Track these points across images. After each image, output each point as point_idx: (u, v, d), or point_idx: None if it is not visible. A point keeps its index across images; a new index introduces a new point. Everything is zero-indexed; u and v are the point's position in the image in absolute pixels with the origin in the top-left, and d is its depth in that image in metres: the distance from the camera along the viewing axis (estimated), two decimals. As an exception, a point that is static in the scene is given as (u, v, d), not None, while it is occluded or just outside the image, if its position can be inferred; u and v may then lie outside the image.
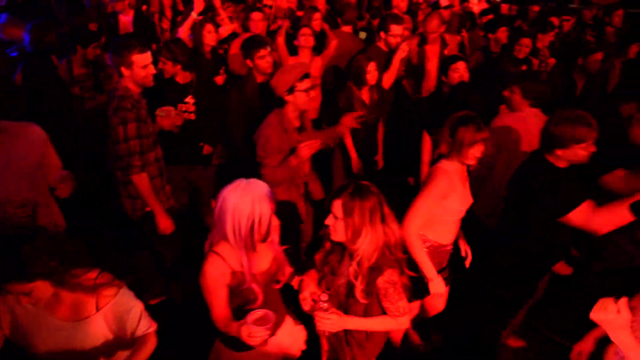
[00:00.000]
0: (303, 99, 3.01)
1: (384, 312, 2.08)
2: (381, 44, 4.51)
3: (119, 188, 2.98)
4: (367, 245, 1.93)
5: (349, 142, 3.93)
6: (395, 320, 2.08)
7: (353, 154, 3.96)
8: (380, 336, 2.25)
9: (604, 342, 2.06)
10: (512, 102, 3.37)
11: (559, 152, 2.40)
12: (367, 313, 2.07)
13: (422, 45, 4.78)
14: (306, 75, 3.00)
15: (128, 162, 2.80)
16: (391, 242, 1.98)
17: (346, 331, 2.15)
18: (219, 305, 1.95)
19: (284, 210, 3.10)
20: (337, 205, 1.95)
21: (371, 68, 3.77)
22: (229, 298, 1.96)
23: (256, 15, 4.66)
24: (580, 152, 2.37)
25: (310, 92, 3.05)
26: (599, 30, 6.35)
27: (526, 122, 3.21)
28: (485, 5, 7.34)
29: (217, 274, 1.92)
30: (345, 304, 2.08)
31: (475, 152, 2.52)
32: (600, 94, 4.88)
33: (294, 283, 2.25)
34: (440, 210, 2.58)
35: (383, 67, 4.24)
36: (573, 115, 2.38)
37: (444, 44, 4.88)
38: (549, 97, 3.37)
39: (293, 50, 4.54)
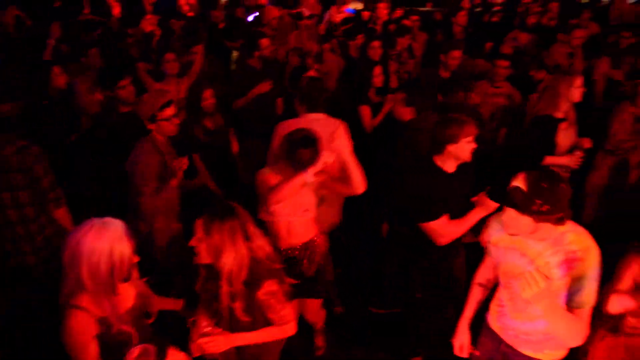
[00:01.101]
0: (166, 128, 3.00)
1: (271, 323, 2.12)
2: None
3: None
4: (231, 263, 1.95)
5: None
6: (281, 328, 2.13)
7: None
8: (274, 346, 2.29)
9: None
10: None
11: (450, 147, 2.60)
12: (254, 327, 2.09)
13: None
14: (168, 104, 2.98)
15: None
16: (261, 257, 2.03)
17: (238, 349, 2.14)
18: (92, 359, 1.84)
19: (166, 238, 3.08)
20: (199, 226, 1.96)
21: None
22: (99, 348, 1.86)
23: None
24: (462, 151, 2.61)
25: (174, 120, 3.03)
26: (448, 30, 7.01)
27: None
28: (347, 14, 7.75)
29: (82, 328, 1.80)
30: (232, 325, 2.08)
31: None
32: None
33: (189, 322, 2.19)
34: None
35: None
36: (452, 116, 2.63)
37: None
38: (321, 100, 3.33)
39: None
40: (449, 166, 2.68)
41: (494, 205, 2.43)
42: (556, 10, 7.65)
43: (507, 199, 1.82)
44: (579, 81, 3.56)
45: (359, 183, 2.77)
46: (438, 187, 2.63)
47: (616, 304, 2.15)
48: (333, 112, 3.41)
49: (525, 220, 1.80)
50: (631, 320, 2.16)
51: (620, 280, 2.19)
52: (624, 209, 3.90)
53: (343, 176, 2.78)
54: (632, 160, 4.04)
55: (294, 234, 2.79)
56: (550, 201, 1.75)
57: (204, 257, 2.00)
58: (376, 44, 4.88)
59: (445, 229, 2.61)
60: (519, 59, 5.23)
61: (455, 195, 2.69)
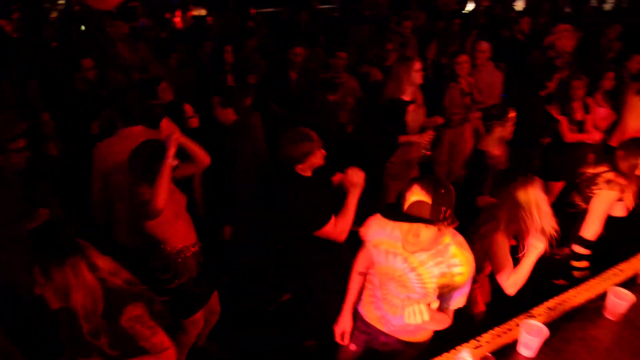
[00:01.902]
0: (15, 159, 2.79)
1: (146, 352, 2.00)
2: None
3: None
4: (83, 300, 1.84)
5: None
6: (157, 357, 2.04)
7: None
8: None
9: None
10: None
11: (299, 167, 2.69)
12: None
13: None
14: (18, 136, 2.77)
15: None
16: (117, 283, 1.93)
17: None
18: None
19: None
20: (36, 273, 1.81)
21: None
22: None
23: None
24: (316, 161, 2.69)
25: (25, 152, 2.82)
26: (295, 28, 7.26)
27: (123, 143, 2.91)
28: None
29: None
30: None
31: None
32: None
33: None
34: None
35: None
36: (295, 135, 2.67)
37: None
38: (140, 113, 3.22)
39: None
40: (308, 172, 2.79)
41: (358, 179, 2.62)
42: (386, 2, 8.33)
43: (412, 216, 1.75)
44: (417, 65, 3.87)
45: (202, 155, 2.78)
46: (313, 194, 2.71)
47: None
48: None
49: (431, 232, 1.78)
50: None
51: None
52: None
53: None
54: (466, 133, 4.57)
55: (174, 238, 2.70)
56: (451, 205, 1.76)
57: (54, 302, 1.86)
58: (229, 48, 4.94)
59: (338, 227, 2.70)
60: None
61: (324, 194, 2.80)
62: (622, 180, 2.79)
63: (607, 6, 10.55)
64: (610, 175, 2.81)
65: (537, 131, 4.03)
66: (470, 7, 9.03)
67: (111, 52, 5.29)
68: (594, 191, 2.82)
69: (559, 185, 4.41)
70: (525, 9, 8.80)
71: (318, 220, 2.67)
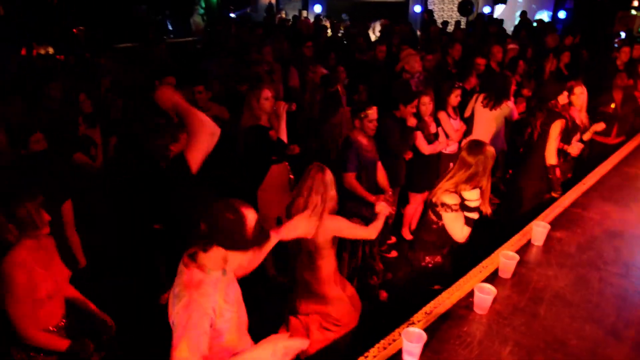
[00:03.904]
0: None
1: None
2: None
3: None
4: None
5: None
6: None
7: None
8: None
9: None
10: None
11: None
12: None
13: None
14: None
15: None
16: None
17: None
18: None
19: None
20: None
21: None
22: None
23: None
24: None
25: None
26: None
27: None
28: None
29: None
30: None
31: None
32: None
33: None
34: None
35: None
36: None
37: None
38: None
39: None
40: None
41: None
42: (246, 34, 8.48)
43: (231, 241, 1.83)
44: (265, 93, 3.93)
45: None
46: None
47: None
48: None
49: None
50: None
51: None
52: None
53: None
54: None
55: None
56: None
57: None
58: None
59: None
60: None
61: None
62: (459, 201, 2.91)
63: (450, 28, 11.82)
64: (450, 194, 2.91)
65: (397, 147, 4.30)
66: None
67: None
68: (440, 212, 2.96)
69: (422, 196, 4.75)
70: (380, 37, 9.52)
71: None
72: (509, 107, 4.89)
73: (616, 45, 9.06)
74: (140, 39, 8.85)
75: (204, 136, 2.65)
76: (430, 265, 3.09)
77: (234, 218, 1.79)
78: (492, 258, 2.87)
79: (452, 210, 2.88)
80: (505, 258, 2.67)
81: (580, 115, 4.64)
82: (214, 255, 1.85)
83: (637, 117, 5.66)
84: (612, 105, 5.49)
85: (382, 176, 4.06)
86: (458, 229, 2.91)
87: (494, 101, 4.82)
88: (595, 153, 5.27)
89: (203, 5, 13.16)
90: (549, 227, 3.03)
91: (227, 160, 3.97)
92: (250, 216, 1.84)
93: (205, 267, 1.87)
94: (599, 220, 3.39)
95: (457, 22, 12.19)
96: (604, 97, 5.46)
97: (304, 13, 14.54)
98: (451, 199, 2.88)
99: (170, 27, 12.78)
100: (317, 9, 14.87)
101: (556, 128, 4.07)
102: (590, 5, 13.35)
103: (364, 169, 3.85)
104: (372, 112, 3.84)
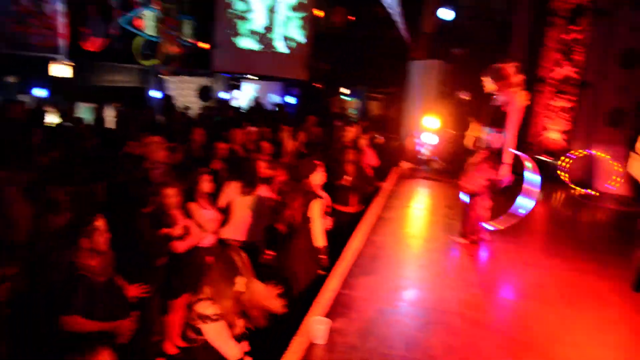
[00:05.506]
0: None
1: None
2: None
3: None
4: None
5: None
6: None
7: None
8: None
9: None
10: None
11: None
12: None
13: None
14: None
15: None
16: None
17: None
18: None
19: None
20: None
21: None
22: None
23: None
24: None
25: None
26: None
27: None
28: None
29: None
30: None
31: None
32: None
33: None
34: None
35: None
36: None
37: None
38: None
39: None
40: None
41: None
42: None
43: None
44: None
45: None
46: None
47: None
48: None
49: None
50: None
51: None
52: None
53: None
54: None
55: None
56: None
57: None
58: None
59: None
60: None
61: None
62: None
63: (192, 112, 11.71)
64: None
65: (151, 252, 3.62)
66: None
67: None
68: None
69: (184, 299, 4.03)
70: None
71: None
72: (264, 191, 4.76)
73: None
74: None
75: None
76: None
77: None
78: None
79: (212, 320, 2.36)
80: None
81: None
82: None
83: (368, 185, 6.31)
84: (347, 178, 5.99)
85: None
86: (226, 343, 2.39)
87: (248, 187, 4.63)
88: (342, 222, 5.56)
89: None
90: (329, 322, 2.79)
91: None
92: None
93: None
94: (368, 298, 3.37)
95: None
96: (338, 171, 5.90)
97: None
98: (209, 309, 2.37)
99: None
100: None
101: (316, 208, 4.03)
102: (312, 92, 15.28)
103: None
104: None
